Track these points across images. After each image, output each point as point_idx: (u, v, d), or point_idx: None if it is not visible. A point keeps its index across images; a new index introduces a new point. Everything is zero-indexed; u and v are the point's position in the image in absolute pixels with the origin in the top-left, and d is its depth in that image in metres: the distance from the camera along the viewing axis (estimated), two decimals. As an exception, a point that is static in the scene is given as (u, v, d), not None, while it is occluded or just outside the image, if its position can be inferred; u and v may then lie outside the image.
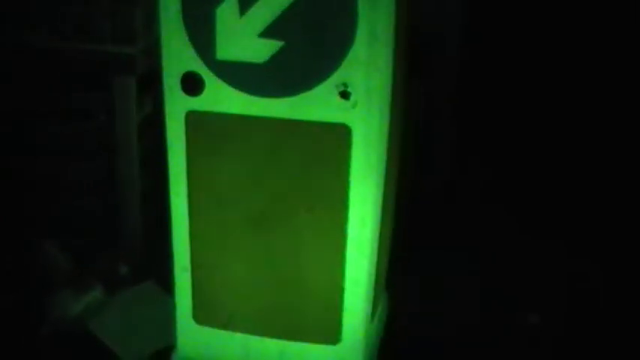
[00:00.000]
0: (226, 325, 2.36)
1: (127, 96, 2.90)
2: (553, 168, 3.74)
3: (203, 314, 2.37)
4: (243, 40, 2.02)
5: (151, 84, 2.85)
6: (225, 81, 2.08)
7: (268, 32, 1.99)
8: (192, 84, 2.09)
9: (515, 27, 3.70)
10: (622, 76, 3.64)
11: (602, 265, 3.21)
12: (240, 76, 2.06)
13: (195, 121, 2.14)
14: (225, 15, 2.01)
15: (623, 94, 3.66)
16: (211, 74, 2.08)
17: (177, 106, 2.14)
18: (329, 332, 2.31)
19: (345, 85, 2.02)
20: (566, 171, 3.71)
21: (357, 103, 2.04)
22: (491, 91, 3.78)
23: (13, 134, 3.07)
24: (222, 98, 2.10)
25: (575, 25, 3.63)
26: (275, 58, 2.02)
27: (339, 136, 2.08)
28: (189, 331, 2.40)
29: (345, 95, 2.03)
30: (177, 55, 2.08)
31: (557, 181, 3.70)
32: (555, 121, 3.77)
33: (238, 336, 2.37)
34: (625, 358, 2.73)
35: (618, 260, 3.24)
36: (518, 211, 3.60)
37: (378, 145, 2.14)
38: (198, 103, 2.12)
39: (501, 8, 3.69)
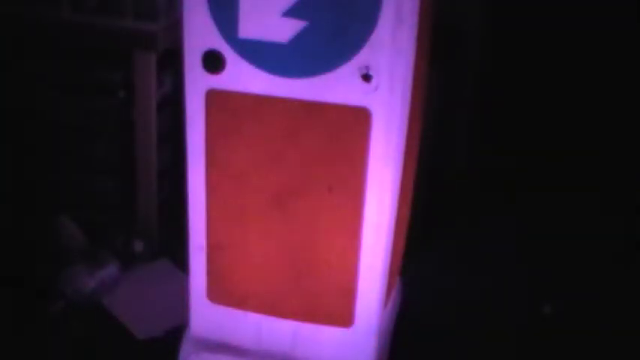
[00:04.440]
0: (242, 303, 2.36)
1: (148, 73, 2.90)
2: (571, 163, 3.73)
3: (217, 293, 2.37)
4: (267, 19, 2.00)
5: (172, 62, 2.85)
6: (246, 60, 2.06)
7: (292, 12, 1.98)
8: (213, 62, 2.08)
9: (537, 16, 3.67)
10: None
11: (617, 256, 3.21)
12: (261, 55, 2.05)
13: (215, 99, 2.13)
14: (249, -7, 2.00)
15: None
16: (233, 52, 2.06)
17: (197, 84, 2.13)
18: (342, 315, 2.31)
19: (367, 67, 2.01)
20: (585, 158, 3.70)
21: (378, 87, 2.03)
22: (513, 77, 3.76)
23: (32, 109, 3.08)
24: (243, 77, 2.09)
25: (599, 17, 3.60)
26: (298, 38, 2.01)
27: (359, 118, 2.07)
28: (202, 310, 2.40)
29: (366, 78, 2.02)
30: (199, 32, 2.07)
31: (574, 169, 3.69)
32: (574, 111, 3.76)
33: (252, 316, 2.37)
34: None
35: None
36: (535, 199, 3.58)
37: (398, 129, 2.13)
38: (219, 81, 2.10)
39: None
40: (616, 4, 3.55)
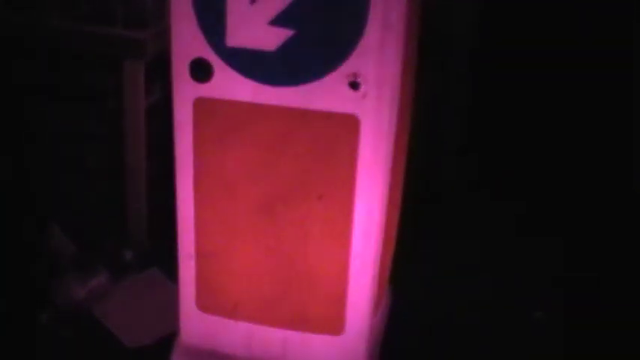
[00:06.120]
0: (232, 312, 2.35)
1: (136, 80, 2.89)
2: (562, 164, 3.73)
3: (207, 302, 2.37)
4: (254, 27, 2.01)
5: (160, 70, 2.84)
6: (234, 68, 2.06)
7: (279, 20, 1.98)
8: (201, 70, 2.09)
9: (528, 23, 3.68)
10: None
11: (610, 263, 3.21)
12: (249, 63, 2.05)
13: (203, 107, 2.13)
14: (236, 2, 2.00)
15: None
16: (220, 61, 2.07)
17: (185, 93, 2.13)
18: (333, 323, 2.31)
19: (355, 75, 2.01)
20: (573, 167, 3.70)
21: (366, 94, 2.03)
22: (503, 86, 3.76)
23: (21, 115, 3.07)
24: (231, 85, 2.09)
25: (590, 22, 3.61)
26: (285, 47, 2.01)
27: (347, 126, 2.07)
28: (192, 319, 2.40)
29: (354, 86, 2.02)
30: (187, 41, 2.07)
31: (565, 177, 3.69)
32: (566, 118, 3.76)
33: (242, 324, 2.37)
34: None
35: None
36: (527, 205, 3.58)
37: (386, 136, 2.13)
38: (207, 89, 2.10)
39: (514, 3, 3.67)
40: (610, 17, 3.56)
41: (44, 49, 2.97)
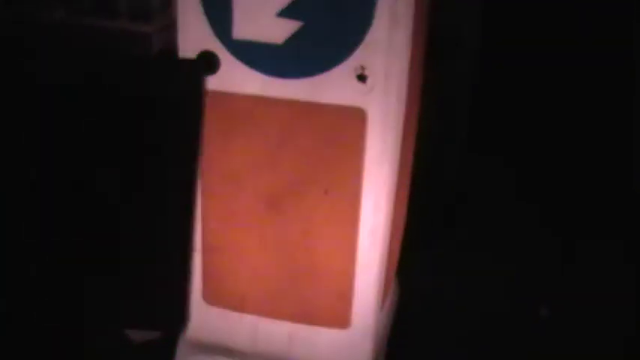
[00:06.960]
0: (238, 305, 2.35)
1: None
2: (562, 164, 3.74)
3: (213, 295, 2.37)
4: (261, 19, 2.00)
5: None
6: (241, 61, 2.06)
7: (287, 12, 1.98)
8: (208, 63, 2.08)
9: (528, 23, 3.68)
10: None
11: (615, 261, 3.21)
12: (256, 56, 2.05)
13: (209, 100, 2.13)
14: (244, -7, 2.00)
15: None
16: (228, 53, 2.06)
17: (192, 85, 2.13)
18: (339, 316, 2.30)
19: (362, 68, 2.00)
20: (573, 167, 3.70)
21: (374, 87, 2.02)
22: (503, 86, 3.76)
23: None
24: (238, 78, 2.08)
25: (590, 22, 3.61)
26: (292, 39, 2.00)
27: (355, 119, 2.07)
28: (198, 312, 2.40)
29: (362, 78, 2.01)
30: (194, 33, 2.07)
31: (565, 177, 3.69)
32: (566, 118, 3.77)
33: (248, 318, 2.36)
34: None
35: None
36: (531, 204, 3.58)
37: (393, 130, 2.13)
38: (214, 82, 2.10)
39: (519, 6, 3.67)
40: (610, 17, 3.56)
41: (48, 44, 2.96)
